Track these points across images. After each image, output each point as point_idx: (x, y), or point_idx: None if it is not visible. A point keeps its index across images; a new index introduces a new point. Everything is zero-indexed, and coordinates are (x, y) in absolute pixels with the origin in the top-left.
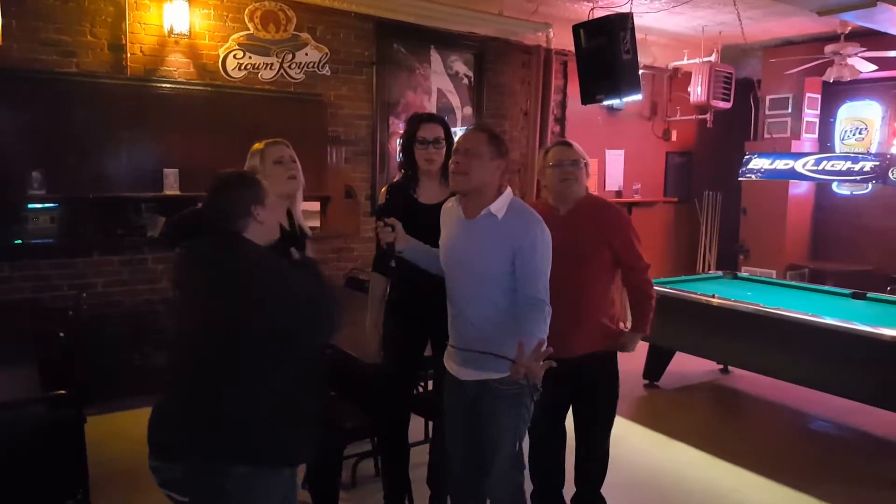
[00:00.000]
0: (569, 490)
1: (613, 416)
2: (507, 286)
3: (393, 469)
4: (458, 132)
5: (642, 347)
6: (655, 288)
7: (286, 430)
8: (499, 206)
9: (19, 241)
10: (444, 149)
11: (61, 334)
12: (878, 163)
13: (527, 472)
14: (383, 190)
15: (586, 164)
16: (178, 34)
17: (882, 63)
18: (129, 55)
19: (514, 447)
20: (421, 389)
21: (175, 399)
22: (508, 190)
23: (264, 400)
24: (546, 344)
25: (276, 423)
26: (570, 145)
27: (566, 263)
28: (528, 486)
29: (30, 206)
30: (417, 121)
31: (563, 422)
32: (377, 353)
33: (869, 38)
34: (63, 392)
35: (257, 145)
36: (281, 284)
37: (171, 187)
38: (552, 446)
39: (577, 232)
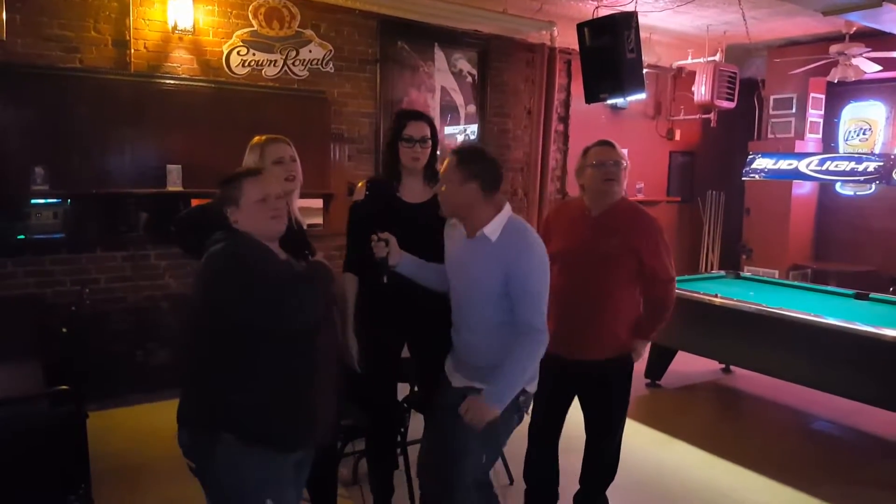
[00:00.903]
0: (572, 488)
1: (624, 419)
2: (502, 306)
3: (377, 469)
4: (462, 130)
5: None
6: None
7: (272, 412)
8: (492, 229)
9: (22, 237)
10: (430, 148)
11: (64, 330)
12: (881, 163)
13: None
14: (361, 184)
15: (626, 166)
16: (181, 30)
17: (887, 63)
18: (132, 51)
19: (482, 459)
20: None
21: (185, 370)
22: (506, 208)
23: (243, 378)
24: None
25: (259, 404)
26: (612, 145)
27: (592, 266)
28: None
29: (33, 201)
30: (404, 118)
31: (561, 426)
32: (357, 360)
33: (874, 39)
34: (65, 388)
35: (257, 139)
36: (247, 276)
37: (174, 184)
38: (549, 449)
39: (606, 236)
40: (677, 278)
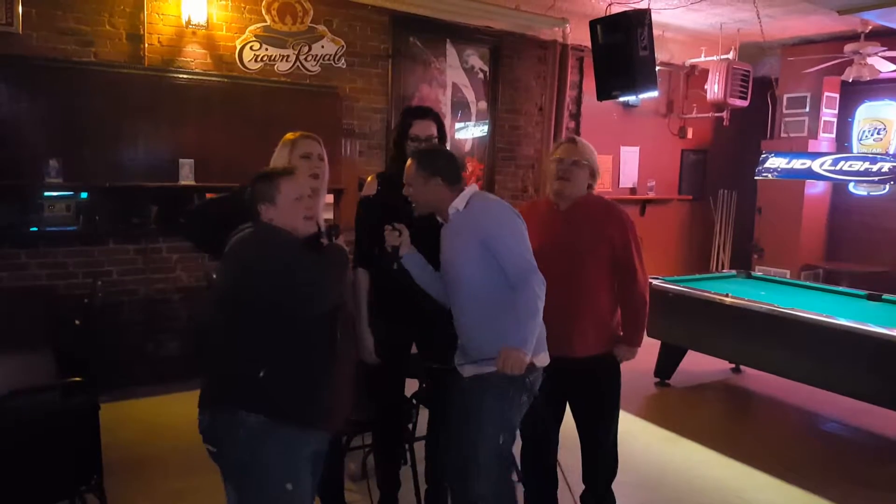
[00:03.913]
0: (577, 488)
1: (618, 412)
2: (489, 274)
3: (384, 464)
4: (471, 126)
5: (654, 345)
6: (669, 286)
7: (292, 388)
8: (459, 202)
9: (35, 229)
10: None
11: (76, 322)
12: None
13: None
14: (370, 178)
15: (590, 167)
16: (195, 25)
17: None
18: (146, 45)
19: (499, 440)
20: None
21: (207, 355)
22: (471, 186)
23: (268, 355)
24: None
25: (280, 380)
26: (575, 143)
27: (566, 260)
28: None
29: (46, 193)
30: (410, 116)
31: (559, 425)
32: (373, 353)
33: (889, 38)
34: (79, 379)
35: (290, 135)
36: (277, 263)
37: (187, 177)
38: (546, 450)
39: (576, 228)
40: (688, 277)
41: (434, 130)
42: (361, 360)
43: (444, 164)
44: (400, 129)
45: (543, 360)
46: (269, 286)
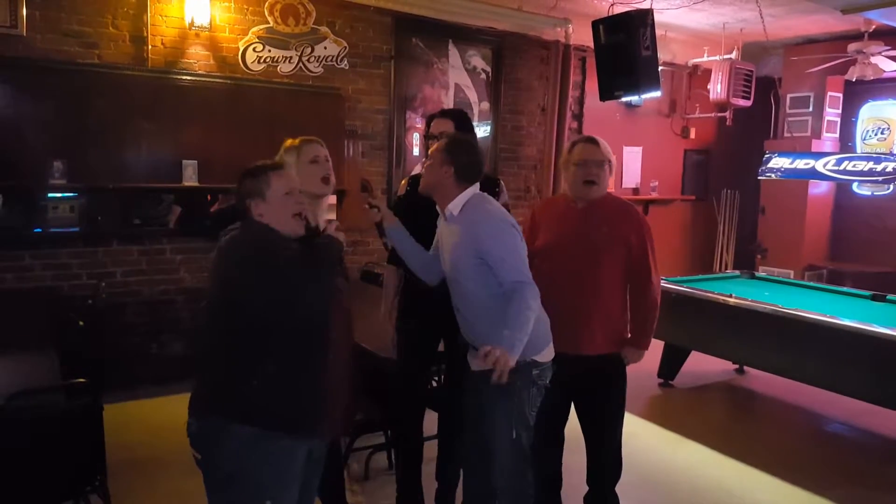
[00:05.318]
0: (575, 487)
1: (623, 414)
2: (483, 277)
3: (406, 476)
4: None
5: (658, 346)
6: (672, 287)
7: (283, 398)
8: (455, 204)
9: (39, 230)
10: None
11: (80, 323)
12: None
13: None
14: (403, 182)
15: (610, 164)
16: (198, 27)
17: None
18: (150, 47)
19: (512, 434)
20: (434, 384)
21: (200, 359)
22: (472, 188)
23: (258, 365)
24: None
25: (271, 390)
26: (596, 143)
27: (581, 259)
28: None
29: (50, 195)
30: (431, 117)
31: (564, 425)
32: (391, 344)
33: (893, 37)
34: (83, 380)
35: (291, 141)
36: (265, 264)
37: (190, 179)
38: (551, 449)
39: (594, 227)
40: (691, 278)
41: (447, 127)
42: (367, 361)
43: (463, 159)
44: (425, 131)
45: (548, 354)
46: (258, 287)
